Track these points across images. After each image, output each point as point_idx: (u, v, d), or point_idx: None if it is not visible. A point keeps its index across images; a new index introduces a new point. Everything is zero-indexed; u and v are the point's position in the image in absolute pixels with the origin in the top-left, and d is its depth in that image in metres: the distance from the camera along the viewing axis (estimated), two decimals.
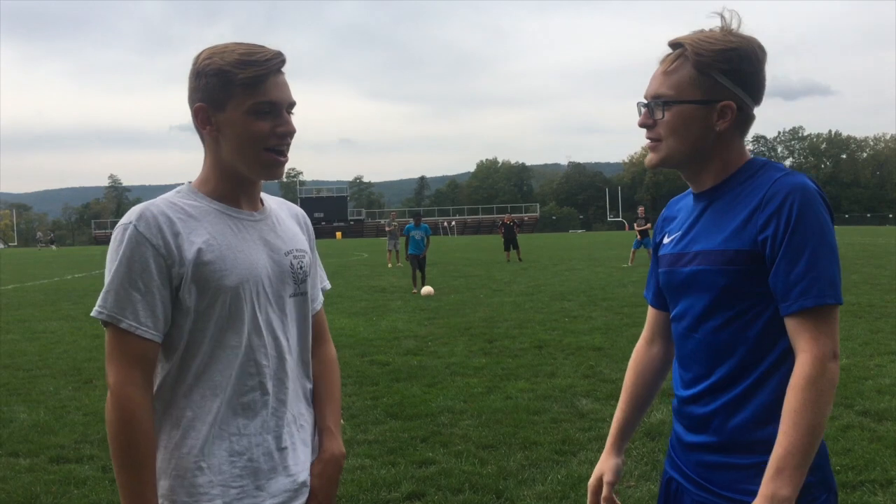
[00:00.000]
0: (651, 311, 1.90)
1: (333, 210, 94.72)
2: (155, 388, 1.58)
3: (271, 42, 1.62)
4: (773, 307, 1.52)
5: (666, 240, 1.76)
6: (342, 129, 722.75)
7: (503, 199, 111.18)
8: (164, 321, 1.55)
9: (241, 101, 1.56)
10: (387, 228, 25.93)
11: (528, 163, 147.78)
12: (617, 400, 1.95)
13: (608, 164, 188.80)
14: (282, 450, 1.64)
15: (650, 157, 1.67)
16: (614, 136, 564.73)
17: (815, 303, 1.46)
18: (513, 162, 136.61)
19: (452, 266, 24.36)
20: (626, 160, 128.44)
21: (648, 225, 23.04)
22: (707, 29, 1.60)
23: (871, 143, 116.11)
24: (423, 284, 15.43)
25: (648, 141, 1.66)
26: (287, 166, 1.73)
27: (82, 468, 4.77)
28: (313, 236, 1.87)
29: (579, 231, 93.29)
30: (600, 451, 4.86)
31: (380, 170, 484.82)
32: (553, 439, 5.05)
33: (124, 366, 1.51)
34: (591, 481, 1.88)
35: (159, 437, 1.57)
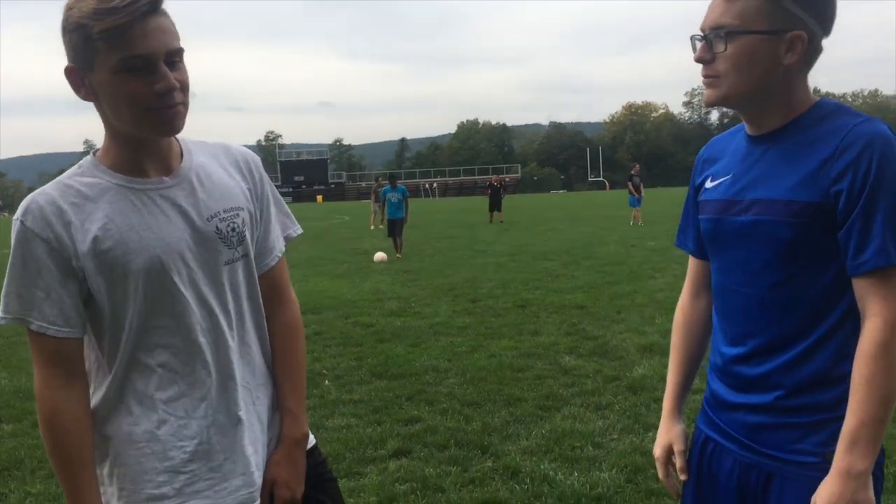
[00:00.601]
0: (693, 263, 1.74)
1: (314, 173, 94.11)
2: (92, 378, 1.52)
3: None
4: (837, 264, 1.41)
5: (709, 183, 1.60)
6: (321, 91, 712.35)
7: (484, 161, 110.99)
8: (78, 314, 1.45)
9: (105, 59, 1.35)
10: (374, 189, 25.94)
11: (509, 123, 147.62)
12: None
13: (589, 124, 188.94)
14: (237, 425, 1.54)
15: (709, 93, 1.49)
16: (594, 95, 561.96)
17: (890, 262, 1.35)
18: (493, 122, 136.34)
19: (435, 228, 24.35)
20: (607, 119, 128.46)
21: (641, 184, 23.11)
22: None
23: (850, 100, 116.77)
24: (399, 249, 15.08)
25: (704, 78, 1.49)
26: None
27: None
28: (262, 181, 1.64)
29: (561, 192, 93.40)
30: (584, 406, 5.02)
31: (360, 132, 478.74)
32: (537, 395, 5.10)
33: (45, 366, 1.45)
34: (659, 453, 1.72)
35: (101, 427, 1.49)
